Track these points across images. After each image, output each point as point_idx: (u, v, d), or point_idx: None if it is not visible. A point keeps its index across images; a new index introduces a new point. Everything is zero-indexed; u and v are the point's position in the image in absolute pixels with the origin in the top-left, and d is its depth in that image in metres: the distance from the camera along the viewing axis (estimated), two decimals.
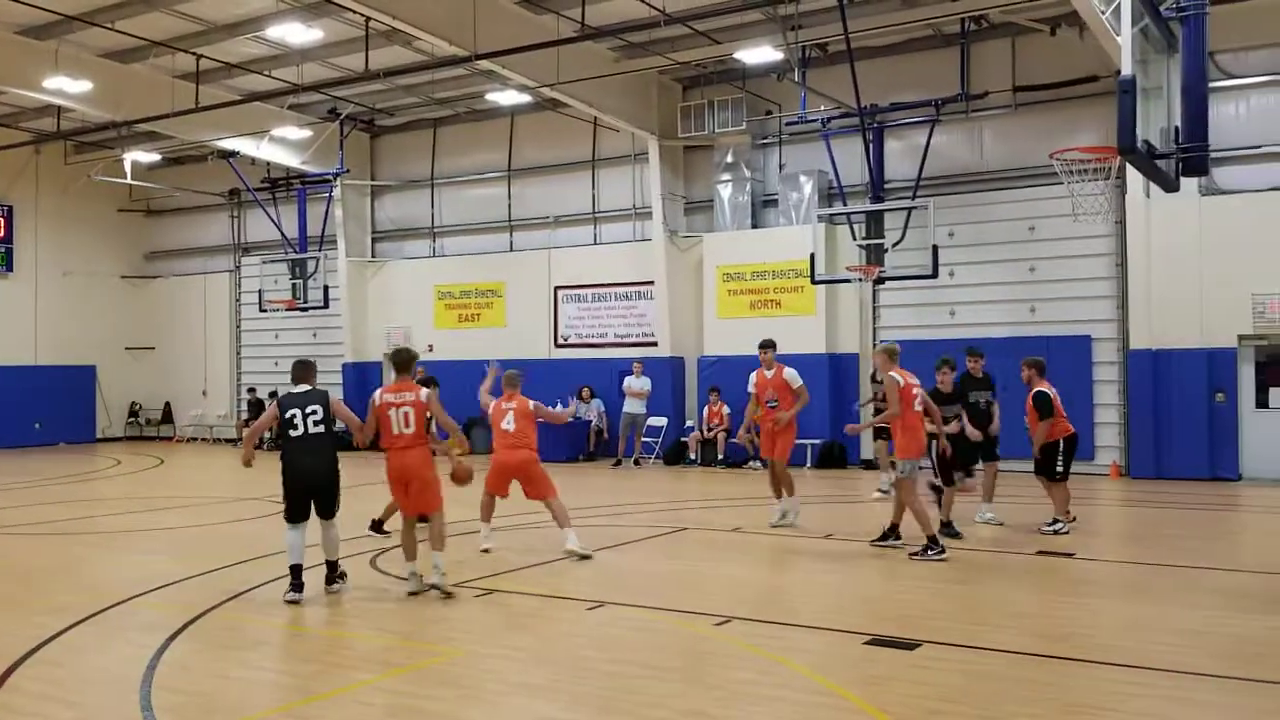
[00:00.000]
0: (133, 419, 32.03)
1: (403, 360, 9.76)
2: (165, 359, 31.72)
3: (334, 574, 9.53)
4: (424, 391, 9.58)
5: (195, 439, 30.80)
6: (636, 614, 8.75)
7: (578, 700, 6.56)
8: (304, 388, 9.55)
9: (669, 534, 12.96)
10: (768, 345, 13.49)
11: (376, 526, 12.76)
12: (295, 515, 9.24)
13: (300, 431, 9.26)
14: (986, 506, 13.26)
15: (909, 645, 7.52)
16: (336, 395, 9.24)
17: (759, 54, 19.45)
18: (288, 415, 9.30)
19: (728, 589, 9.71)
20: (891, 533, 11.52)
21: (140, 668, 7.08)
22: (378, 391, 9.76)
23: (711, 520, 14.20)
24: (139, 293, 32.15)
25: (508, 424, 11.49)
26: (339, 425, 9.62)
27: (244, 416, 29.24)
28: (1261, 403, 18.35)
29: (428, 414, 9.52)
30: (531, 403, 11.56)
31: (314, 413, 9.30)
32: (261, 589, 9.74)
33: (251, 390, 29.19)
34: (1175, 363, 18.29)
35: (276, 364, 29.59)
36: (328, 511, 9.32)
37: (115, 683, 6.89)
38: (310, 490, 9.25)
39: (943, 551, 10.77)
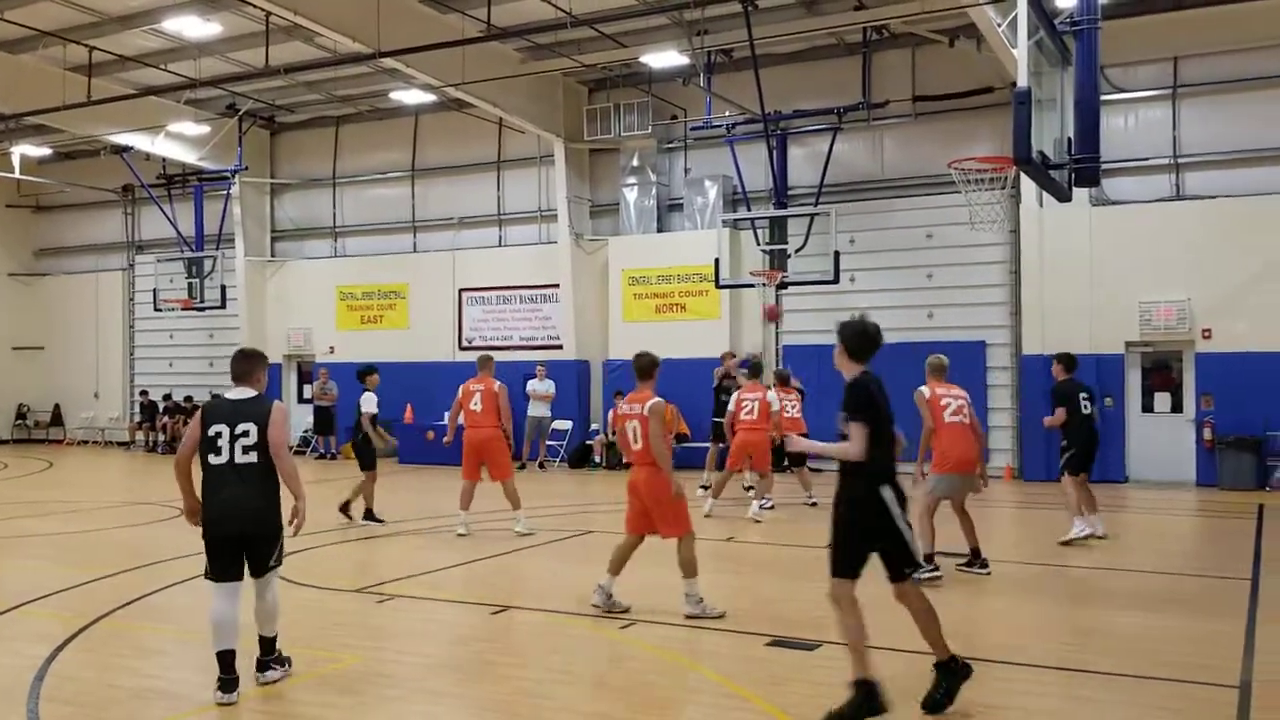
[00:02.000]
0: (20, 421, 30.98)
1: (644, 366, 8.82)
2: (55, 359, 30.74)
3: (270, 656, 6.93)
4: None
5: (86, 442, 29.91)
6: (542, 618, 8.73)
7: (482, 706, 6.52)
8: (242, 393, 6.97)
9: (574, 537, 12.94)
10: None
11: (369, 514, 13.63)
12: (219, 572, 6.68)
13: (224, 459, 6.66)
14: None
15: (809, 646, 7.62)
16: (283, 406, 7.06)
17: (665, 58, 19.56)
18: (210, 433, 6.74)
19: (634, 592, 9.72)
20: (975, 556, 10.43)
21: (27, 678, 6.85)
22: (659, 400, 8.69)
23: (617, 524, 14.17)
24: (27, 291, 31.12)
25: (475, 404, 12.60)
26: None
27: (137, 419, 28.51)
28: (1147, 407, 19.00)
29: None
30: (497, 384, 12.61)
31: (244, 434, 6.68)
32: (153, 596, 9.49)
33: (144, 393, 28.46)
34: None
35: (171, 365, 28.95)
36: (259, 567, 6.75)
37: (1, 693, 6.66)
38: (238, 539, 6.66)
39: (935, 569, 9.79)
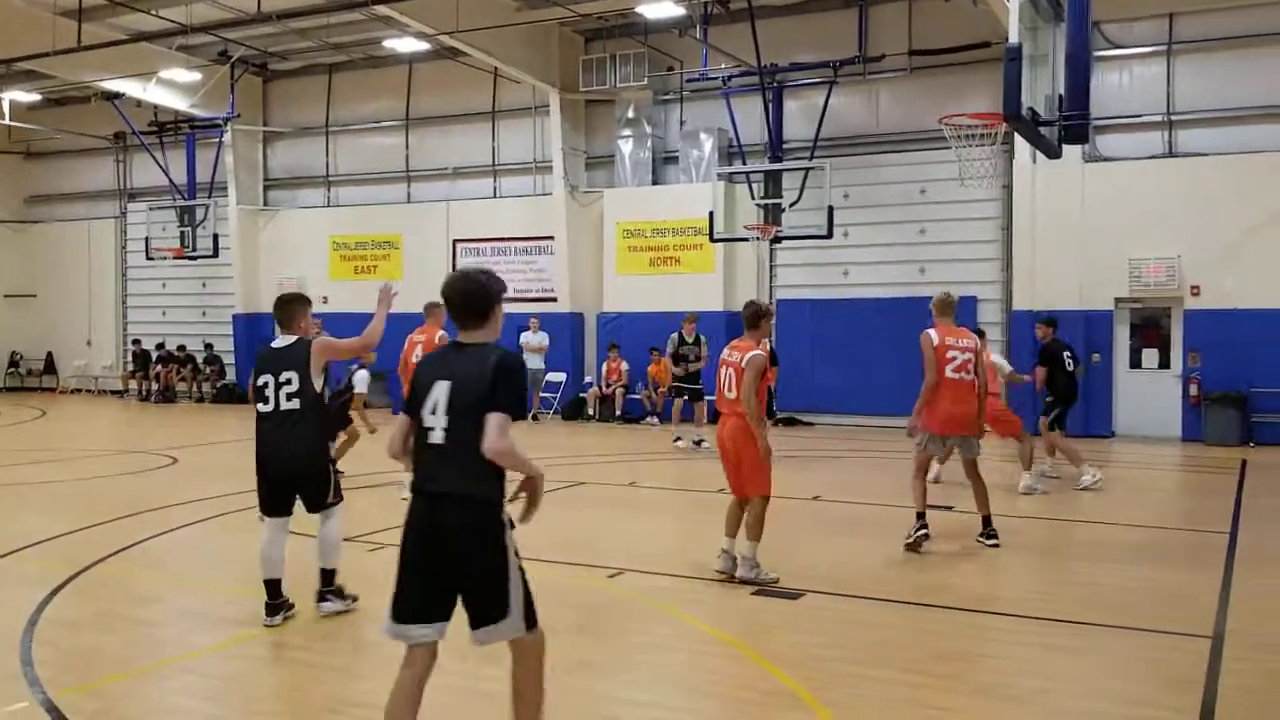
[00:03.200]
0: (13, 369, 31.01)
1: (749, 315, 8.45)
2: (47, 307, 30.69)
3: (328, 588, 7.35)
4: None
5: (79, 390, 29.95)
6: (530, 568, 8.79)
7: (467, 652, 6.61)
8: (284, 340, 7.19)
9: (565, 489, 13.05)
10: None
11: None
12: (268, 509, 7.16)
13: (270, 407, 7.02)
14: None
15: (793, 595, 7.75)
16: (323, 339, 7.60)
17: (661, 8, 19.41)
18: (259, 383, 7.09)
19: (622, 543, 9.86)
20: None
21: (21, 622, 6.96)
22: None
23: (608, 475, 14.35)
24: (19, 238, 31.02)
25: (416, 357, 11.20)
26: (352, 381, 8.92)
27: (130, 368, 28.55)
28: (1135, 363, 19.11)
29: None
30: (440, 334, 11.23)
31: (287, 382, 6.99)
32: (146, 543, 9.60)
33: (137, 341, 28.47)
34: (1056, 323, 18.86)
35: (164, 314, 28.95)
36: (315, 504, 7.23)
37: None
38: (287, 481, 7.11)
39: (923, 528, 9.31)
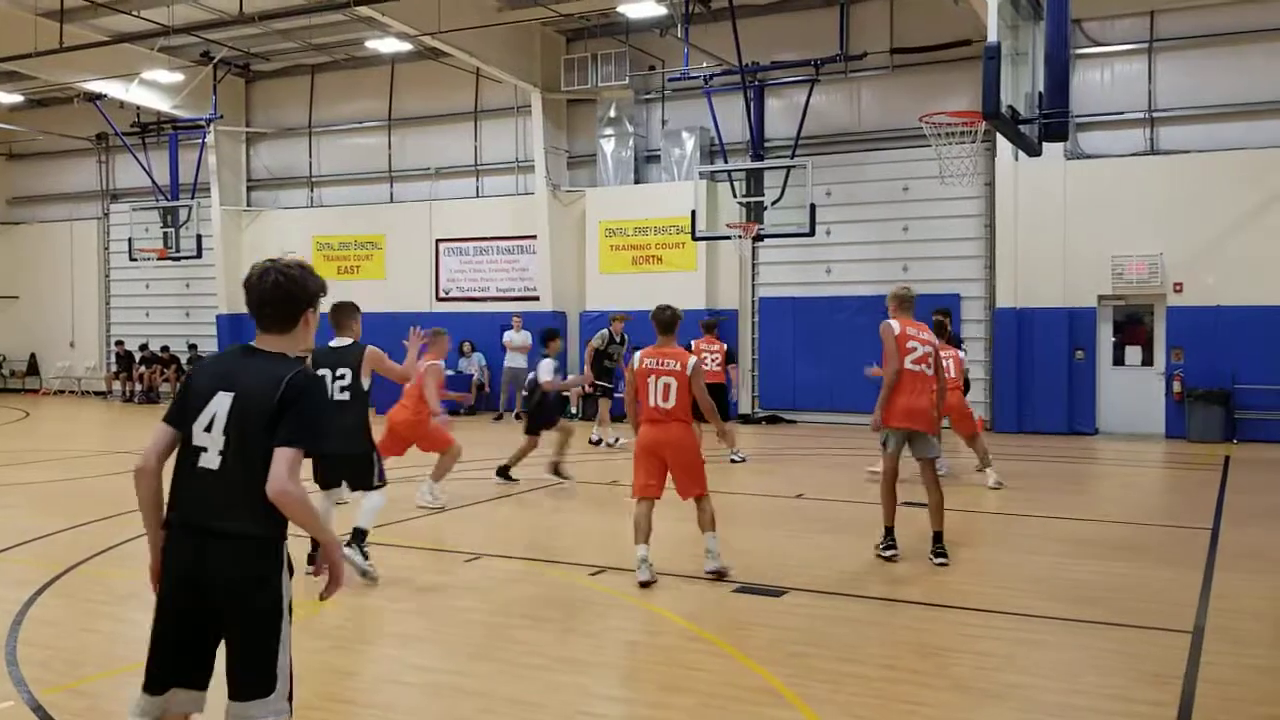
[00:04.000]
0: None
1: (668, 320, 8.40)
2: (30, 309, 30.56)
3: (358, 541, 8.19)
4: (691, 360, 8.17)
5: (63, 391, 29.84)
6: (514, 565, 8.87)
7: (452, 649, 6.66)
8: (340, 342, 8.25)
9: (548, 487, 13.07)
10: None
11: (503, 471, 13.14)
12: (320, 482, 8.06)
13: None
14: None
15: (775, 593, 7.78)
16: (375, 349, 8.29)
17: (643, 8, 19.44)
18: (318, 374, 7.86)
19: (604, 541, 9.87)
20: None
21: (6, 622, 6.94)
22: (637, 354, 8.35)
23: (590, 474, 14.36)
24: (1, 240, 30.88)
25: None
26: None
27: (113, 369, 28.45)
28: (1118, 360, 19.22)
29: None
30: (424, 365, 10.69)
31: (341, 377, 8.04)
32: (129, 544, 9.58)
33: (120, 343, 28.38)
34: (1038, 321, 18.99)
35: (147, 315, 28.87)
36: (360, 484, 8.17)
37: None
38: (335, 458, 7.94)
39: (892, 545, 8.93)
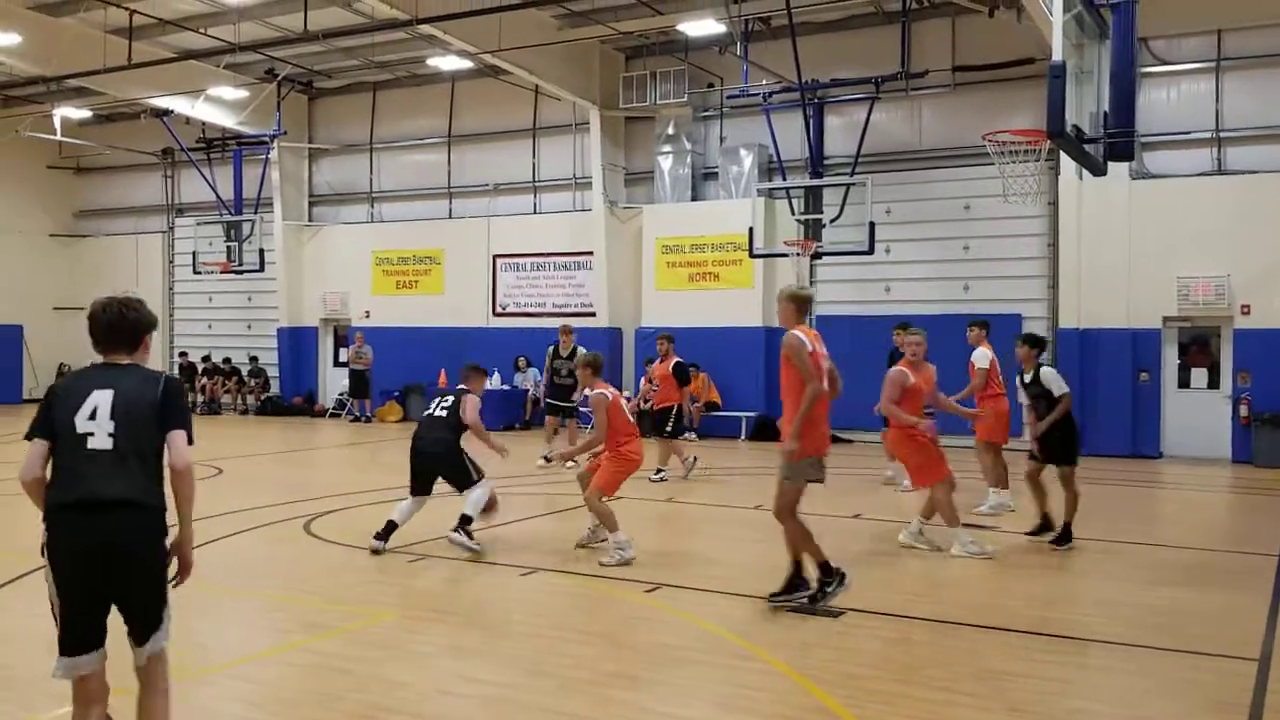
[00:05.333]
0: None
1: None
2: None
3: (464, 526, 9.77)
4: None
5: None
6: (568, 580, 8.86)
7: (505, 662, 6.66)
8: (457, 388, 10.31)
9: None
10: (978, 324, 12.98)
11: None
12: (413, 488, 10.01)
13: (428, 412, 10.22)
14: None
15: (833, 613, 7.69)
16: (474, 399, 10.16)
17: (702, 26, 19.50)
18: (431, 401, 10.41)
19: (658, 557, 9.84)
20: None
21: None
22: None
23: (645, 490, 14.33)
24: (68, 252, 31.54)
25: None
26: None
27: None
28: (1183, 383, 18.87)
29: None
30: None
31: (445, 402, 10.16)
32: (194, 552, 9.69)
33: (184, 354, 28.82)
34: (1102, 342, 18.70)
35: (210, 327, 29.31)
36: (459, 485, 9.95)
37: (40, 642, 6.78)
38: (423, 467, 9.95)
39: (841, 581, 7.86)
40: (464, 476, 9.87)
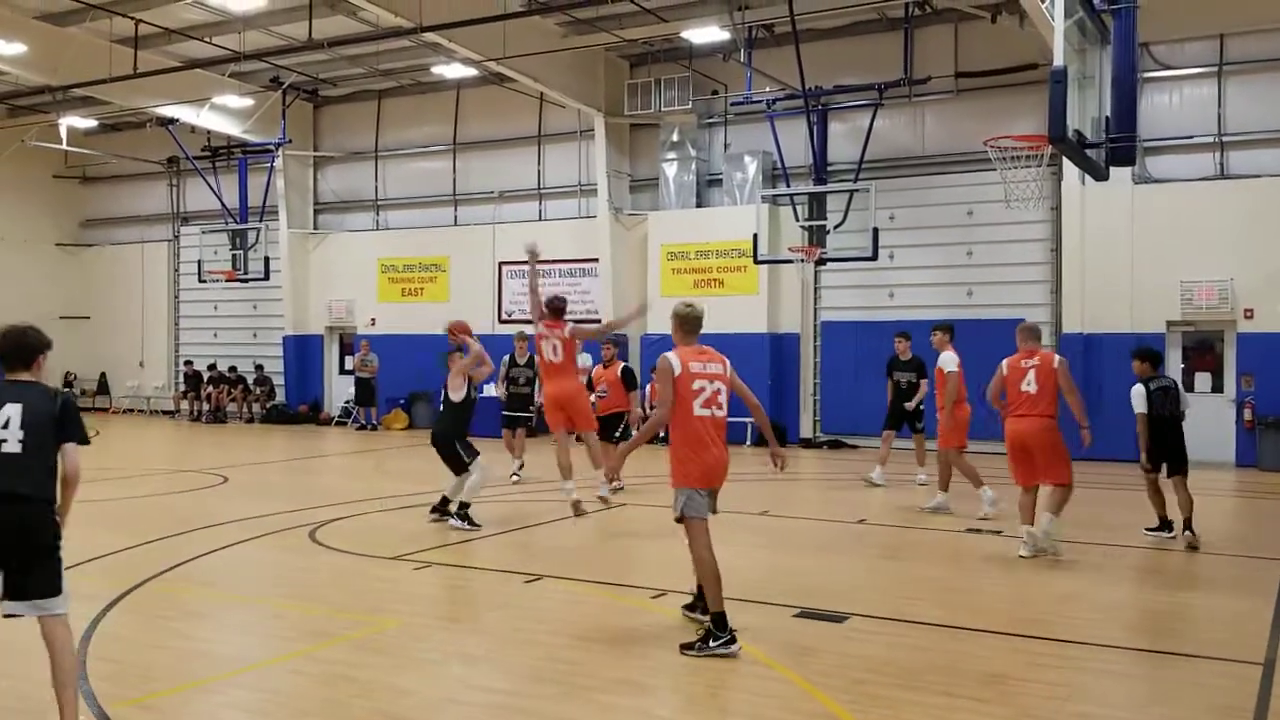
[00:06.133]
0: (67, 389, 31.44)
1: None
2: (101, 329, 31.23)
3: (460, 510, 11.27)
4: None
5: (132, 410, 30.45)
6: (574, 587, 8.89)
7: (511, 670, 6.68)
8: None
9: (608, 510, 13.08)
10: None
11: None
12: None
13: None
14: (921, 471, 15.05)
15: (837, 618, 7.72)
16: (459, 360, 11.80)
17: (706, 34, 19.56)
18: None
19: (664, 564, 9.85)
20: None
21: (77, 637, 7.07)
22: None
23: (650, 497, 14.34)
24: (74, 261, 31.65)
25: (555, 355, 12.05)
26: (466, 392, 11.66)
27: (181, 389, 28.96)
28: (1187, 387, 18.81)
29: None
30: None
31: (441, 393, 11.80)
32: (197, 561, 9.74)
33: (189, 363, 28.90)
34: (1106, 347, 18.70)
35: (216, 335, 29.39)
36: (455, 470, 11.45)
37: (43, 651, 6.87)
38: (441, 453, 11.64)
39: (729, 642, 6.87)
40: (459, 463, 11.27)
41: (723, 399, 7.24)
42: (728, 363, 7.39)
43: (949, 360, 12.75)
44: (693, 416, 7.10)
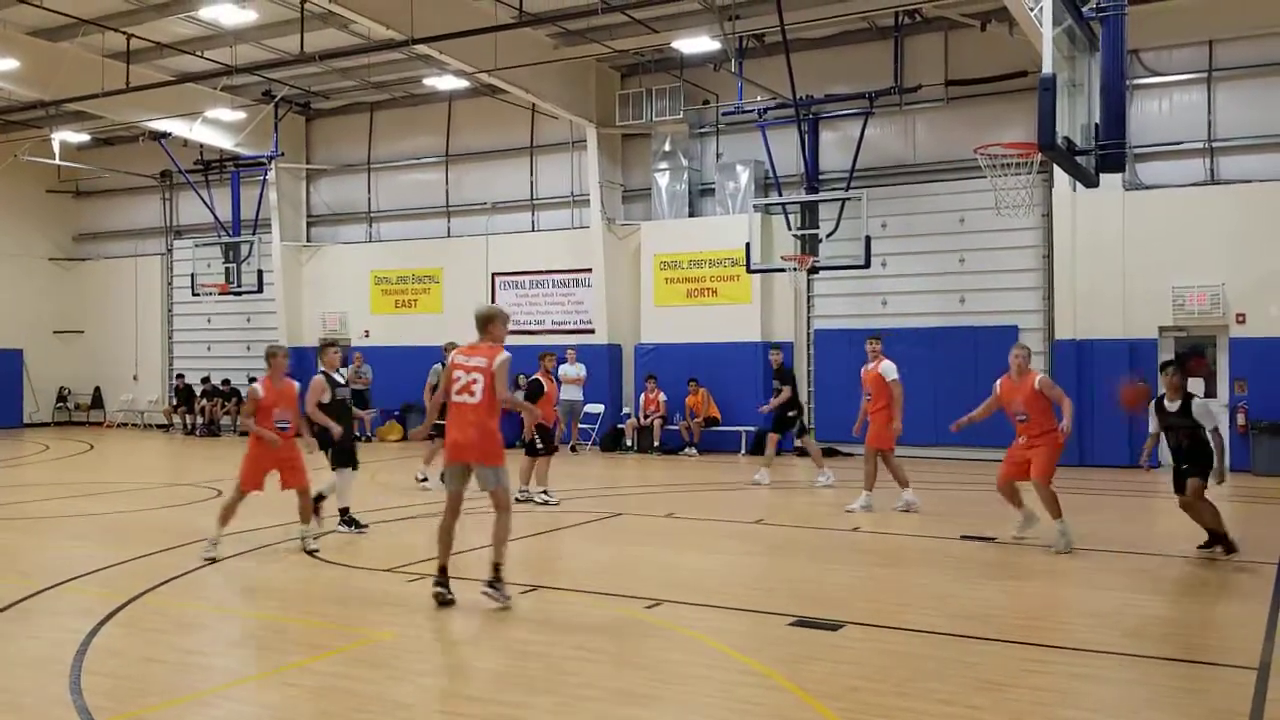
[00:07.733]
0: (61, 404, 31.49)
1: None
2: (95, 343, 31.20)
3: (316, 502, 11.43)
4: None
5: (126, 424, 30.39)
6: (569, 597, 8.88)
7: (507, 681, 6.68)
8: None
9: (604, 519, 13.10)
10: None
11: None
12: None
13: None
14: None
15: (832, 626, 7.72)
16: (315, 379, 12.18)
17: (697, 44, 19.61)
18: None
19: (660, 573, 9.87)
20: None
21: (70, 652, 7.07)
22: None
23: (646, 506, 14.36)
24: (67, 275, 31.62)
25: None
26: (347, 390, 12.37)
27: (174, 402, 28.92)
28: None
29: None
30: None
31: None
32: (191, 574, 9.73)
33: (180, 376, 28.86)
34: (1098, 353, 18.76)
35: (209, 348, 29.36)
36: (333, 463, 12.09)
37: (44, 666, 6.88)
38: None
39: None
40: (339, 457, 12.00)
41: (478, 388, 8.31)
42: (490, 360, 8.40)
43: (890, 369, 13.67)
44: (450, 400, 8.45)
